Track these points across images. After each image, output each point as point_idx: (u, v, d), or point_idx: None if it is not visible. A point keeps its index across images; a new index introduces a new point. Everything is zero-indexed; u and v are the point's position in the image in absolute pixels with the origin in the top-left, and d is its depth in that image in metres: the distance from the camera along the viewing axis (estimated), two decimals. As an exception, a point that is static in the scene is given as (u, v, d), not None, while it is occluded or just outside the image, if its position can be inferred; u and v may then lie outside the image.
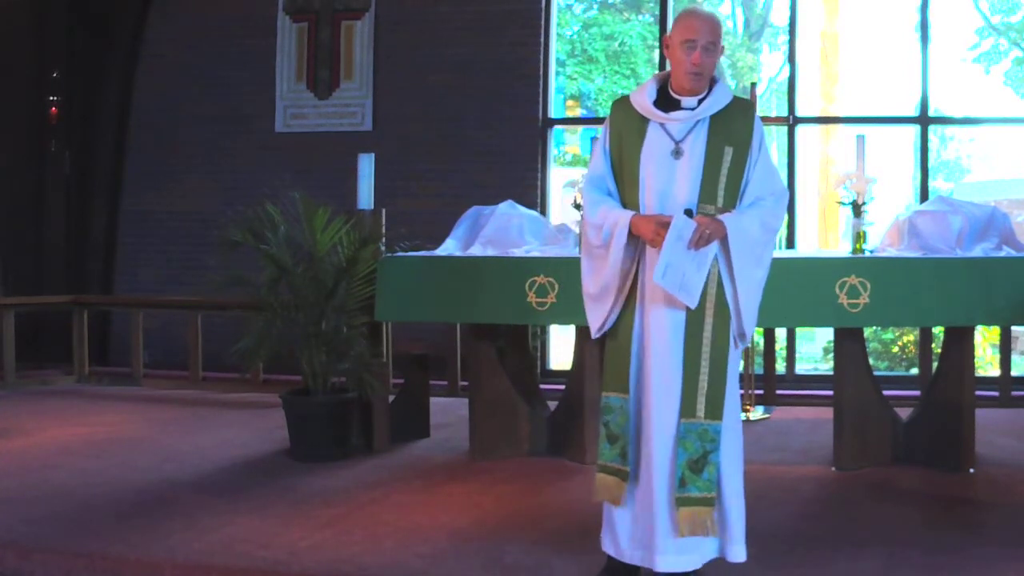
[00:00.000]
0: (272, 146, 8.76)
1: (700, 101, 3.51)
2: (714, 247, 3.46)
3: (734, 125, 3.50)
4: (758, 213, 3.50)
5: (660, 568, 3.48)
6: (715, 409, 3.45)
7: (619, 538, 3.58)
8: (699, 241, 3.39)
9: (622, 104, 3.63)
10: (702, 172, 3.46)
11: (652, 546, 3.48)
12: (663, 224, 3.40)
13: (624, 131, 3.57)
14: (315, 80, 8.70)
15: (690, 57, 3.46)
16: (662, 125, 3.52)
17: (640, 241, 3.50)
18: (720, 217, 3.45)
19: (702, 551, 3.50)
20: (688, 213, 3.45)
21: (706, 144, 3.47)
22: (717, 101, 3.51)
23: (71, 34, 9.11)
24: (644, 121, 3.54)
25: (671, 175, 3.48)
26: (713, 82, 3.55)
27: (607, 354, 3.63)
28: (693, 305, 3.45)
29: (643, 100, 3.55)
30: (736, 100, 3.56)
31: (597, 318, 3.62)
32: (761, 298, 3.60)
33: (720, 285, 3.49)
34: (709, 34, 3.47)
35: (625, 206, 3.55)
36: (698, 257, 3.43)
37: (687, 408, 3.45)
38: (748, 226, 3.47)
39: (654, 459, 3.47)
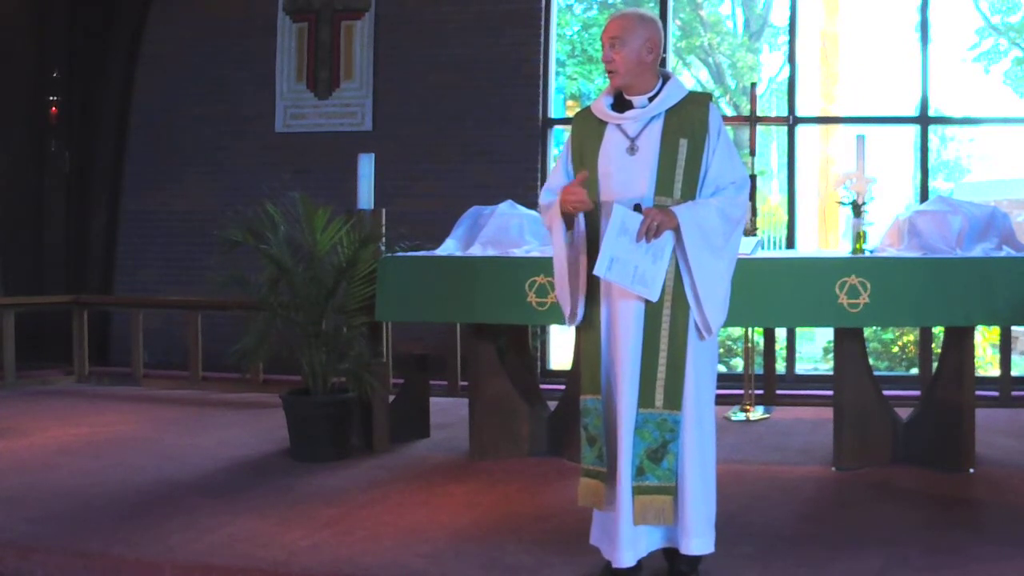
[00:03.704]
0: (272, 146, 8.76)
1: (652, 100, 3.57)
2: (671, 239, 3.47)
3: (689, 118, 3.54)
4: (716, 202, 3.51)
5: (623, 564, 3.49)
6: (673, 399, 3.48)
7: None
8: (648, 233, 3.40)
9: (582, 114, 3.72)
10: (657, 166, 3.50)
11: (617, 541, 3.48)
12: (574, 184, 3.47)
13: (584, 138, 3.64)
14: (315, 80, 8.71)
15: (603, 57, 3.58)
16: (618, 125, 3.58)
17: (589, 231, 3.54)
18: (672, 207, 3.47)
19: (649, 540, 3.53)
20: (637, 208, 3.47)
21: (660, 138, 3.51)
22: (669, 97, 3.57)
23: (71, 34, 9.11)
24: (602, 124, 3.61)
25: (628, 171, 3.52)
26: (666, 79, 3.61)
27: (581, 355, 3.67)
28: (654, 298, 3.47)
29: (600, 105, 3.64)
30: (691, 94, 3.61)
31: (564, 309, 3.70)
32: (730, 289, 3.61)
33: (678, 276, 3.51)
34: (612, 30, 3.55)
35: None
36: (652, 249, 3.43)
37: (645, 398, 3.48)
38: (703, 215, 3.48)
39: (619, 453, 3.49)
